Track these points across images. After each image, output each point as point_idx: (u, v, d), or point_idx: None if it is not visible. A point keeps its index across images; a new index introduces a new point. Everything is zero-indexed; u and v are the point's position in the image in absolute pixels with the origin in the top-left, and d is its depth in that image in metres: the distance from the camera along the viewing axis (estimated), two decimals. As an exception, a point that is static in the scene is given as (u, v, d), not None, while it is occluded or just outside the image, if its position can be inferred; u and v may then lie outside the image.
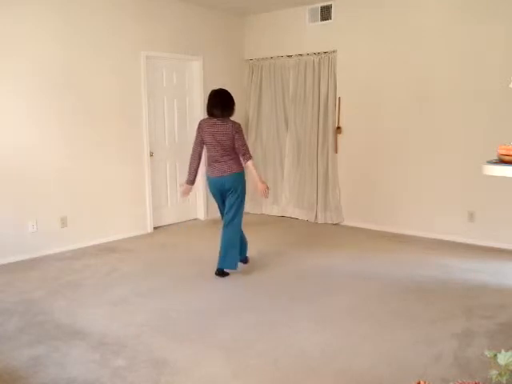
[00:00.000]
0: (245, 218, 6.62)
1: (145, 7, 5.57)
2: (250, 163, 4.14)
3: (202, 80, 6.28)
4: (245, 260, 4.55)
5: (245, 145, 4.16)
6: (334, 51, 5.98)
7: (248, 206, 7.00)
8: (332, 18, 5.96)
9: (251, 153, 4.32)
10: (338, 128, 6.05)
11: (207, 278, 4.20)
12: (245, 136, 4.31)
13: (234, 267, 4.21)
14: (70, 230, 5.09)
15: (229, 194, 4.21)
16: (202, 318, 3.38)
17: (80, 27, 5.01)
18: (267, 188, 4.22)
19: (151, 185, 5.83)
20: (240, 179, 4.21)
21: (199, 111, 6.32)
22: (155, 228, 5.97)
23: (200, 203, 6.53)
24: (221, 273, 4.23)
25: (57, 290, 3.92)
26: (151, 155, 5.84)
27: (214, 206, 6.47)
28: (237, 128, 4.13)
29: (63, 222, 5.04)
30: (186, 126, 6.33)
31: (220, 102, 4.12)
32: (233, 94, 6.85)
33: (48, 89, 4.81)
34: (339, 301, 3.67)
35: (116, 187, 5.48)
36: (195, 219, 6.56)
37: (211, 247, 5.20)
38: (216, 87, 6.50)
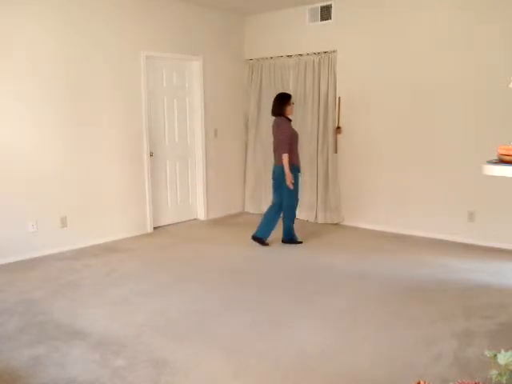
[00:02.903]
0: (244, 218, 6.68)
1: (145, 7, 5.57)
2: (283, 156, 4.88)
3: (202, 80, 6.28)
4: (261, 240, 5.20)
5: (282, 140, 4.90)
6: (334, 51, 5.98)
7: (248, 206, 7.03)
8: (332, 17, 5.95)
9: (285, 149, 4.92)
10: (338, 128, 6.05)
11: (207, 278, 4.21)
12: (286, 131, 4.93)
13: (290, 236, 5.23)
14: (69, 229, 5.09)
15: (276, 182, 5.08)
16: (202, 317, 3.38)
17: (80, 27, 5.01)
18: (291, 182, 4.93)
19: (151, 185, 5.83)
20: (279, 170, 4.97)
21: (199, 111, 6.33)
22: (155, 228, 5.97)
23: (200, 203, 6.53)
24: (288, 241, 5.23)
25: (57, 290, 3.92)
26: (151, 155, 5.84)
27: (214, 206, 6.57)
28: (278, 123, 4.98)
29: (63, 222, 5.04)
30: (186, 126, 6.33)
31: (273, 104, 5.05)
32: (233, 94, 6.94)
33: (48, 89, 4.81)
34: (339, 301, 3.67)
35: (116, 187, 5.48)
36: (195, 219, 6.56)
37: (211, 247, 5.21)
38: (216, 87, 6.61)
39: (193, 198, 6.51)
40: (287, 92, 5.37)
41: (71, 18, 4.93)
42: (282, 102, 4.99)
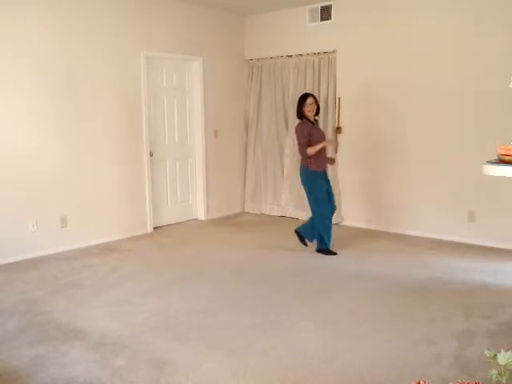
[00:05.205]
0: (244, 218, 6.68)
1: (145, 7, 5.57)
2: (307, 153, 4.66)
3: (202, 80, 6.28)
4: (303, 240, 5.03)
5: (299, 144, 4.73)
6: (334, 51, 5.98)
7: (248, 206, 7.03)
8: (332, 18, 5.96)
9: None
10: (338, 128, 6.05)
11: (207, 278, 4.20)
12: (302, 134, 4.72)
13: (325, 246, 4.87)
14: (69, 230, 5.09)
15: (302, 185, 4.91)
16: (202, 317, 3.38)
17: (80, 27, 5.00)
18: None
19: (151, 185, 5.83)
20: (303, 173, 4.81)
21: (199, 111, 6.33)
22: (155, 228, 5.97)
23: (200, 203, 6.53)
24: (322, 250, 4.90)
25: (57, 290, 3.92)
26: (151, 155, 5.84)
27: (214, 206, 6.57)
28: (295, 128, 4.84)
29: (63, 222, 5.04)
30: (186, 126, 6.33)
31: None
32: (233, 94, 6.97)
33: (48, 89, 4.81)
34: (339, 301, 3.67)
35: (116, 187, 5.48)
36: (195, 219, 6.56)
37: (211, 247, 5.20)
38: (216, 87, 6.60)
39: (193, 198, 6.51)
40: (306, 92, 4.97)
41: (71, 19, 4.93)
42: (299, 104, 4.76)
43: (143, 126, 5.67)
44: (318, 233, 4.85)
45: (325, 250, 4.86)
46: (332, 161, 5.01)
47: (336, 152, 6.09)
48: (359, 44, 5.78)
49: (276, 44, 6.51)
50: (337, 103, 6.03)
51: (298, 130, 4.73)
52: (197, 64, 6.25)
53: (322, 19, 6.05)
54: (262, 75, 6.72)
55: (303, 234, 5.00)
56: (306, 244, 5.00)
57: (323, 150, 4.79)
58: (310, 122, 4.76)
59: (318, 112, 4.83)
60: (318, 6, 6.04)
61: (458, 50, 5.07)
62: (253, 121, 6.83)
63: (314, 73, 6.18)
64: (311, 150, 4.65)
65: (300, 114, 4.76)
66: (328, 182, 4.90)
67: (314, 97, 4.79)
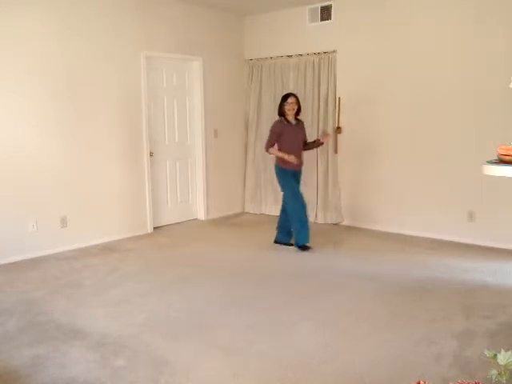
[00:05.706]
0: (244, 218, 6.68)
1: (145, 7, 5.57)
2: (268, 151, 5.01)
3: (202, 80, 6.28)
4: (293, 244, 5.11)
5: (267, 139, 4.98)
6: (333, 51, 5.98)
7: (248, 206, 7.03)
8: (332, 18, 5.96)
9: (266, 146, 5.03)
10: (338, 128, 6.05)
11: (207, 278, 4.20)
12: (271, 132, 4.98)
13: (301, 242, 4.96)
14: (70, 230, 5.09)
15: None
16: (202, 317, 3.38)
17: (80, 27, 5.00)
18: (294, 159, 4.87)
19: (151, 185, 5.83)
20: (275, 169, 5.06)
21: (199, 111, 6.33)
22: (155, 228, 5.97)
23: (200, 203, 6.53)
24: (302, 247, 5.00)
25: (57, 290, 3.92)
26: (151, 155, 5.84)
27: (214, 206, 6.57)
28: (271, 126, 5.06)
29: (63, 222, 5.04)
30: (186, 126, 6.33)
31: None
32: (233, 94, 6.97)
33: (48, 89, 4.81)
34: (339, 301, 3.67)
35: (116, 187, 5.48)
36: (195, 219, 6.56)
37: (211, 247, 5.20)
38: (216, 87, 6.61)
39: (193, 198, 6.51)
40: (289, 92, 5.20)
41: (71, 18, 4.93)
42: (280, 102, 4.97)
43: (143, 126, 5.67)
44: (295, 229, 4.96)
45: (303, 245, 4.97)
46: (325, 135, 5.17)
47: (336, 152, 6.09)
48: (359, 44, 5.78)
49: (276, 44, 6.51)
50: (337, 103, 6.03)
51: (272, 128, 4.98)
52: (197, 64, 6.26)
53: (322, 19, 6.05)
54: (262, 75, 6.72)
55: (281, 240, 5.18)
56: (291, 244, 5.12)
57: (295, 149, 4.93)
58: (287, 120, 4.93)
59: (298, 112, 5.01)
60: (318, 6, 6.04)
61: (457, 50, 5.08)
62: (253, 121, 6.83)
63: (313, 73, 6.18)
64: (272, 151, 4.95)
65: (280, 111, 4.97)
66: (298, 181, 5.06)
67: (297, 97, 4.98)
